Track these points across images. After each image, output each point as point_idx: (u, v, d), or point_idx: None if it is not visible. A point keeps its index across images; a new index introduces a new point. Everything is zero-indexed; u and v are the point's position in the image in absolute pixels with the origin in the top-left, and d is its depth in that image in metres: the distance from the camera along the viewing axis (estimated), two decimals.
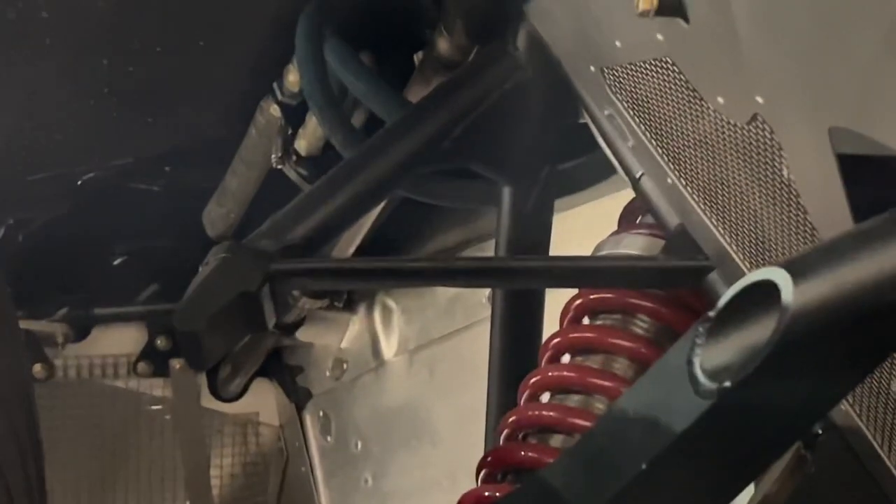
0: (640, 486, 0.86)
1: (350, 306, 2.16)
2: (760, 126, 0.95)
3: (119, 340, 2.32)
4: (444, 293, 1.98)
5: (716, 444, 0.84)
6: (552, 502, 0.93)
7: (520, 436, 1.30)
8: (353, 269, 1.33)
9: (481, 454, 1.39)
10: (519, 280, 1.29)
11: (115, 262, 2.28)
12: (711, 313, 0.81)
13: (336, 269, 1.33)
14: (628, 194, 1.37)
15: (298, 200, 1.38)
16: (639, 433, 0.86)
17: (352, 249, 1.85)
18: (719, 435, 0.82)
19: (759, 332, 0.77)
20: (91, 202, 2.15)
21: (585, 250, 1.35)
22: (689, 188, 1.16)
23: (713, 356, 0.80)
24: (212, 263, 1.31)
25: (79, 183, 2.11)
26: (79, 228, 2.20)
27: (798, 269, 0.76)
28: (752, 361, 0.77)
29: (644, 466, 0.85)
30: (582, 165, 1.54)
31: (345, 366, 2.19)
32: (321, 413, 2.25)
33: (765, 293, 0.78)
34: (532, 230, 1.44)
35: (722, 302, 0.81)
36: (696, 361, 0.81)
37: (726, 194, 1.10)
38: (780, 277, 0.76)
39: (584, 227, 1.53)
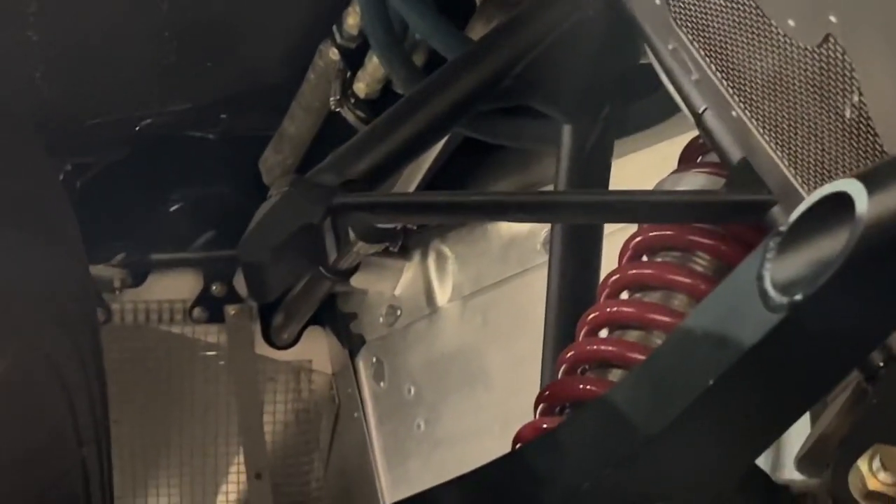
0: (706, 404, 0.87)
1: (404, 253, 2.17)
2: (832, 48, 0.94)
3: (175, 286, 2.34)
4: (499, 239, 1.98)
5: (783, 361, 0.84)
6: (617, 422, 0.94)
7: (578, 370, 1.31)
8: (414, 202, 1.34)
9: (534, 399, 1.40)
10: (578, 214, 1.30)
11: (172, 209, 2.30)
12: (783, 227, 0.81)
13: (397, 203, 1.35)
14: (687, 138, 1.37)
15: (360, 136, 1.39)
16: (707, 350, 0.86)
17: (412, 189, 1.85)
18: (788, 351, 0.83)
19: (831, 245, 0.77)
20: (148, 148, 2.17)
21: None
22: (753, 120, 1.16)
23: (784, 270, 0.81)
24: (275, 196, 1.32)
25: (136, 129, 2.13)
26: (136, 175, 2.22)
27: (872, 179, 0.76)
28: (824, 274, 0.77)
29: (711, 383, 0.85)
30: (642, 106, 1.53)
31: (398, 312, 2.20)
32: (374, 359, 2.26)
33: (838, 206, 0.78)
34: (591, 169, 1.44)
35: (794, 215, 0.81)
36: (767, 276, 0.81)
37: (792, 125, 1.10)
38: (854, 188, 0.76)
39: (642, 171, 1.53)
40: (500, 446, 1.28)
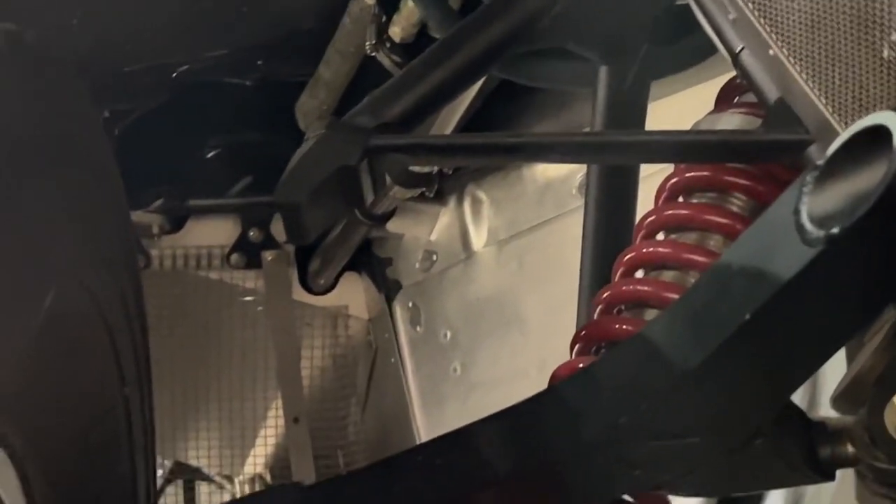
0: (742, 339, 0.88)
1: (440, 198, 2.18)
2: None
3: (213, 232, 2.36)
4: (534, 184, 1.99)
5: (820, 295, 0.85)
6: (654, 357, 0.95)
7: (614, 311, 1.32)
8: (450, 144, 1.35)
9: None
10: (615, 154, 1.30)
11: (209, 155, 2.31)
12: (820, 162, 0.81)
13: (433, 144, 1.35)
14: (724, 80, 1.37)
15: (396, 79, 1.39)
16: (744, 284, 0.87)
17: (447, 132, 1.86)
18: (824, 286, 0.83)
19: (868, 178, 0.78)
20: (185, 95, 2.18)
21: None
22: (791, 58, 1.16)
23: (821, 204, 0.81)
24: (312, 139, 1.33)
25: (174, 75, 2.14)
26: (173, 121, 2.23)
27: None
28: (861, 207, 0.78)
29: (748, 317, 0.86)
30: (679, 47, 1.53)
31: (434, 257, 2.21)
32: (410, 304, 2.27)
33: (875, 140, 0.78)
34: (627, 111, 1.44)
35: (832, 149, 0.81)
36: (804, 210, 0.82)
37: (830, 63, 1.10)
38: (892, 121, 0.76)
39: (679, 114, 1.53)
40: (536, 389, 1.29)
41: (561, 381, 1.10)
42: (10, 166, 1.06)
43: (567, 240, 1.78)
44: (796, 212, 0.82)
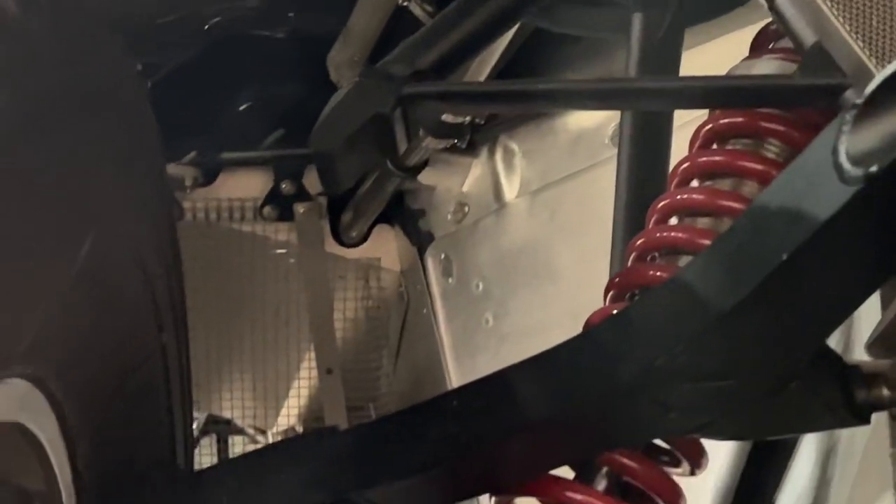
0: (779, 280, 0.88)
1: (472, 149, 2.17)
2: None
3: (245, 185, 2.37)
4: (567, 134, 1.98)
5: (857, 235, 0.85)
6: (690, 300, 0.95)
7: (648, 258, 1.32)
8: (484, 91, 1.35)
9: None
10: (649, 100, 1.29)
11: (242, 108, 2.32)
12: (858, 101, 0.81)
13: (466, 91, 1.35)
14: (757, 28, 1.36)
15: (429, 27, 1.39)
16: (781, 225, 0.87)
17: (481, 80, 1.85)
18: (862, 225, 0.83)
19: None
20: (217, 48, 2.18)
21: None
22: (827, 2, 1.15)
23: (859, 143, 0.81)
24: (346, 87, 1.33)
25: (206, 28, 2.14)
26: (206, 74, 2.23)
27: None
28: None
29: (785, 257, 0.86)
30: None
31: (466, 209, 2.21)
32: (443, 255, 2.28)
33: None
34: (662, 59, 1.44)
35: (870, 87, 0.81)
36: (842, 149, 0.81)
37: (867, 6, 1.09)
38: None
39: (713, 61, 1.52)
40: None
41: (595, 325, 1.10)
42: (48, 115, 1.07)
43: (600, 190, 1.78)
44: (834, 151, 0.81)
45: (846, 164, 0.80)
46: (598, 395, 1.02)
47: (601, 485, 1.18)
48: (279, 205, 2.36)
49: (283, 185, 2.36)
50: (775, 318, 0.93)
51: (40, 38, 1.09)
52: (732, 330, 0.93)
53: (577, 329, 1.28)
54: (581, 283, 1.91)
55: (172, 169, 2.28)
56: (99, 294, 1.19)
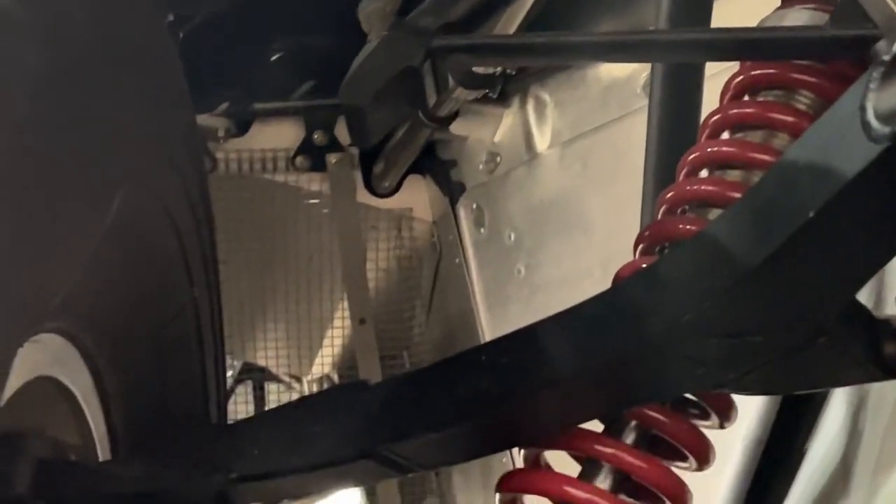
0: (807, 236, 0.88)
1: (503, 99, 2.17)
2: None
3: (278, 135, 2.37)
4: (598, 84, 1.97)
5: (885, 193, 0.84)
6: (717, 255, 0.95)
7: (678, 211, 1.31)
8: (514, 44, 1.34)
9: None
10: (679, 52, 1.29)
11: (273, 59, 2.32)
12: (886, 56, 0.81)
13: (496, 44, 1.35)
14: None
15: None
16: (808, 182, 0.86)
17: (511, 32, 1.85)
18: (889, 183, 0.83)
19: None
20: None
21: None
22: None
23: (887, 100, 0.80)
24: (375, 40, 1.33)
25: None
26: (237, 25, 2.24)
27: None
28: None
29: (812, 214, 0.86)
30: None
31: (498, 159, 2.21)
32: (474, 206, 2.28)
33: None
34: (692, 10, 1.43)
35: None
36: (870, 106, 0.81)
37: None
38: None
39: (744, 13, 1.51)
40: (600, 290, 1.30)
41: (624, 280, 1.10)
42: (79, 72, 1.07)
43: (631, 140, 1.77)
44: (862, 108, 0.81)
45: (873, 122, 0.80)
46: (626, 351, 1.03)
47: (630, 438, 1.19)
48: (311, 155, 2.37)
49: (315, 136, 2.36)
50: (803, 274, 0.92)
51: None
52: (760, 285, 0.93)
53: (608, 280, 1.28)
54: (612, 234, 1.91)
55: (205, 120, 2.28)
56: (130, 249, 1.21)
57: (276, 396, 3.60)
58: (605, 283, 1.29)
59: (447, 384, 1.11)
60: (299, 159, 2.37)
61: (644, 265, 1.27)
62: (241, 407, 3.16)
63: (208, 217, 1.40)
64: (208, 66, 2.23)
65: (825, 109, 1.28)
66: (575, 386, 1.07)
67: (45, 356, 1.14)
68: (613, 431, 1.19)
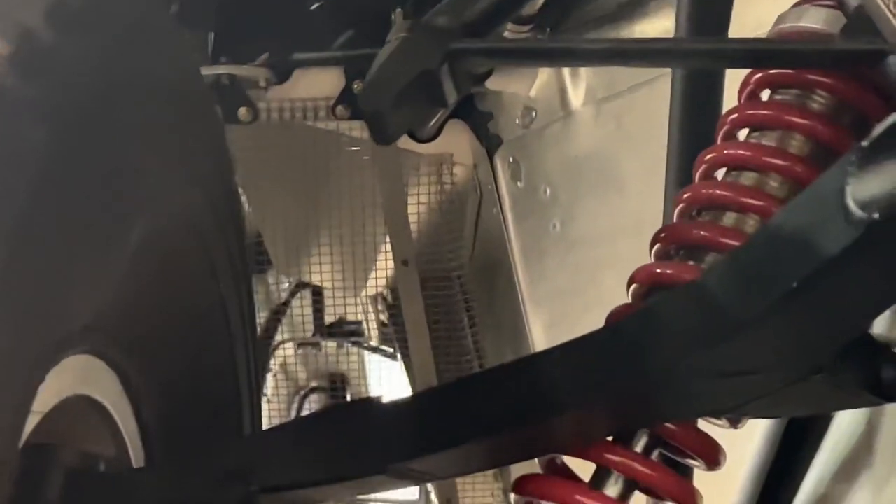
0: (790, 303, 0.90)
1: None
2: None
3: (318, 84, 2.39)
4: None
5: (864, 270, 0.86)
6: (711, 305, 0.97)
7: (693, 212, 1.33)
8: (531, 48, 1.35)
9: None
10: (695, 61, 1.29)
11: (313, 8, 2.33)
12: (864, 142, 0.82)
13: (514, 49, 1.36)
14: None
15: None
16: (792, 252, 0.88)
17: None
18: (869, 262, 0.84)
19: None
20: None
21: (765, 26, 1.33)
22: None
23: (866, 185, 0.81)
24: (392, 44, 1.35)
25: None
26: None
27: None
28: None
29: (795, 285, 0.88)
30: None
31: (533, 114, 2.22)
32: (511, 159, 2.29)
33: None
34: (712, 18, 1.43)
35: (877, 131, 0.81)
36: (849, 191, 0.82)
37: None
38: None
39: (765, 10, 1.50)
40: (633, 248, 1.32)
41: (622, 320, 1.12)
42: (104, 105, 1.10)
43: (665, 101, 1.77)
44: (841, 191, 0.82)
45: (852, 206, 0.81)
46: (627, 387, 1.06)
47: (640, 445, 1.22)
48: (351, 103, 2.38)
49: (355, 85, 2.37)
50: (792, 332, 0.95)
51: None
52: (750, 338, 0.96)
53: (641, 240, 1.30)
54: (646, 193, 1.91)
55: (246, 70, 2.31)
56: (154, 264, 1.25)
57: (331, 307, 3.68)
58: (638, 243, 1.31)
59: (459, 406, 1.15)
60: (339, 108, 2.39)
61: (658, 269, 1.29)
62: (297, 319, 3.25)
63: (234, 214, 1.44)
64: (249, 17, 2.25)
65: (842, 110, 1.30)
66: (582, 414, 1.10)
67: (73, 377, 1.19)
68: (623, 440, 1.22)
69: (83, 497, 1.19)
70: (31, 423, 1.07)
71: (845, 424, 1.49)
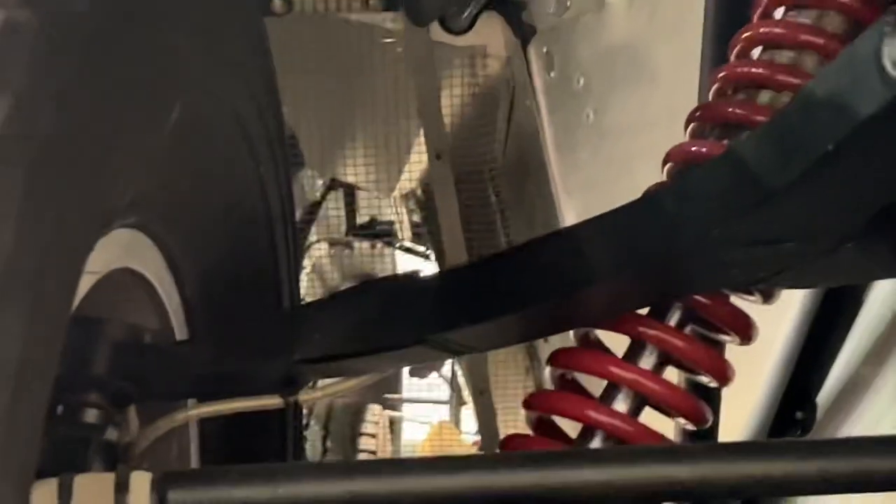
0: (825, 167, 0.91)
1: None
2: None
3: None
4: None
5: None
6: (743, 174, 0.99)
7: (729, 90, 1.34)
8: None
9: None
10: None
11: None
12: None
13: None
14: None
15: None
16: (827, 116, 0.89)
17: None
18: None
19: None
20: None
21: None
22: None
23: None
24: None
25: None
26: None
27: None
28: None
29: (830, 148, 0.89)
30: None
31: (568, 3, 2.21)
32: (544, 49, 2.29)
33: None
34: None
35: None
36: (885, 51, 0.83)
37: None
38: None
39: None
40: (666, 138, 1.33)
41: (656, 191, 1.14)
42: None
43: None
44: (877, 51, 0.83)
45: (888, 67, 0.82)
46: (659, 257, 1.07)
47: (674, 319, 1.24)
48: None
49: None
50: (825, 198, 0.96)
51: None
52: (783, 206, 0.97)
53: (674, 129, 1.31)
54: (679, 84, 1.92)
55: None
56: (195, 144, 1.27)
57: (365, 205, 3.70)
58: (671, 134, 1.32)
59: (495, 278, 1.17)
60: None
61: (693, 147, 1.31)
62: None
63: (272, 98, 1.45)
64: None
65: None
66: (613, 285, 1.12)
67: (117, 250, 1.21)
68: (657, 313, 1.24)
69: (129, 368, 1.22)
70: (83, 287, 1.09)
71: (875, 309, 1.51)
